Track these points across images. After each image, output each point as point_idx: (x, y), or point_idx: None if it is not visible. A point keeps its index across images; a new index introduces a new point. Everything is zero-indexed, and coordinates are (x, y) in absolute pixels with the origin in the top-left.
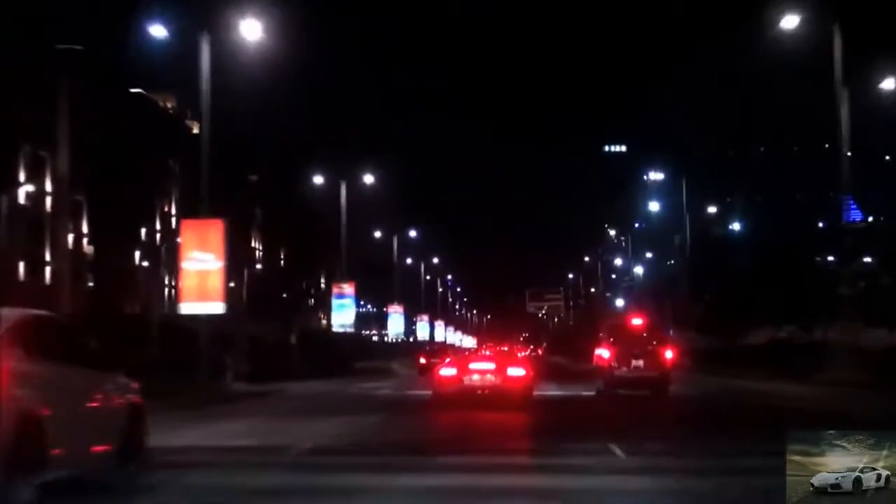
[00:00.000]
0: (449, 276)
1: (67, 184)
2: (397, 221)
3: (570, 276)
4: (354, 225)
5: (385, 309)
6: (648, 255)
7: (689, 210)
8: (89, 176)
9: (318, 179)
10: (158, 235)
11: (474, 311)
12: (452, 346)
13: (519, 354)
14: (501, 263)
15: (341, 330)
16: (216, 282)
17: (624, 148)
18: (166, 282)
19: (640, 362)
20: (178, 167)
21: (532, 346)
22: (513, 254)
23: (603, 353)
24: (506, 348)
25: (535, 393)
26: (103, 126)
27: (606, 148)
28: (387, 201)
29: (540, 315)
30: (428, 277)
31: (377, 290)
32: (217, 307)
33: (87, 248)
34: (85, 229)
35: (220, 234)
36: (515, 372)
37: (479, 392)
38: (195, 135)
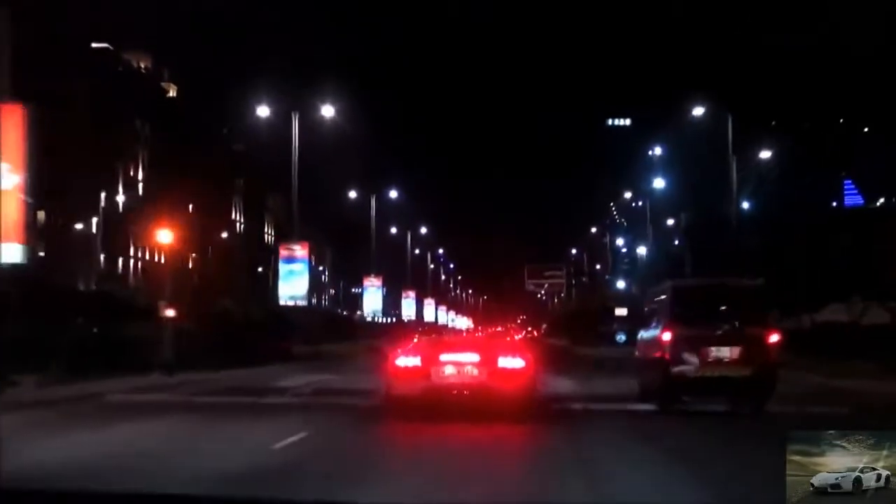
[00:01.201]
0: (441, 250)
1: None
2: (378, 181)
3: (574, 251)
4: (319, 175)
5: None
6: (651, 234)
7: (691, 190)
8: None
9: (265, 111)
10: (121, 198)
11: (469, 291)
12: (444, 327)
13: (516, 337)
14: (499, 241)
15: (290, 303)
16: (11, 209)
17: (628, 121)
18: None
19: (727, 352)
20: (147, 129)
21: (528, 328)
22: (511, 232)
23: (660, 337)
24: (499, 329)
25: (543, 394)
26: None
27: (609, 121)
28: (369, 158)
29: (539, 295)
30: (417, 252)
31: (354, 261)
32: (12, 251)
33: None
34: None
35: (17, 130)
36: (511, 363)
37: (455, 394)
38: (171, 98)
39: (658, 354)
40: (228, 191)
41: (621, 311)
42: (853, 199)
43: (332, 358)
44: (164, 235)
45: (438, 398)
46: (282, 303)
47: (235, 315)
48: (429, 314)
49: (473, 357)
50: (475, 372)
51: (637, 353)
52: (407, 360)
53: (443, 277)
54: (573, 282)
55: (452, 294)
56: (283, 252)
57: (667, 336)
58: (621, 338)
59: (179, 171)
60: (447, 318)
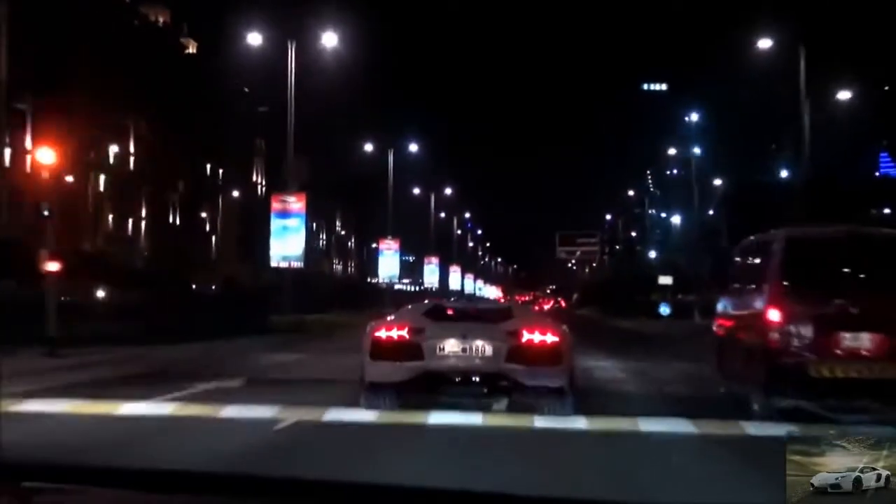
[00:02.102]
0: (467, 215)
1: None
2: (400, 138)
3: (608, 216)
4: (338, 135)
5: (376, 246)
6: (686, 203)
7: (729, 159)
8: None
9: None
10: (132, 159)
11: (498, 260)
12: (472, 296)
13: (544, 307)
14: (530, 209)
15: (284, 264)
16: None
17: (664, 86)
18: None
19: (867, 341)
20: (159, 83)
21: (557, 299)
22: (542, 199)
23: (763, 314)
24: (527, 298)
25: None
26: (66, 30)
27: (645, 86)
28: (393, 114)
29: (570, 265)
30: (442, 215)
31: (374, 224)
32: None
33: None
34: (29, 144)
35: None
36: (539, 337)
37: (459, 382)
38: (189, 54)
39: (759, 339)
40: (247, 152)
41: (665, 280)
42: (887, 169)
43: (319, 330)
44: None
45: (434, 388)
46: (273, 264)
47: (217, 279)
48: (454, 282)
49: (481, 327)
50: (488, 351)
51: (717, 329)
52: (391, 332)
53: (470, 244)
54: (606, 250)
55: (482, 262)
56: (275, 205)
57: (774, 314)
58: (665, 310)
59: (192, 129)
60: (474, 286)
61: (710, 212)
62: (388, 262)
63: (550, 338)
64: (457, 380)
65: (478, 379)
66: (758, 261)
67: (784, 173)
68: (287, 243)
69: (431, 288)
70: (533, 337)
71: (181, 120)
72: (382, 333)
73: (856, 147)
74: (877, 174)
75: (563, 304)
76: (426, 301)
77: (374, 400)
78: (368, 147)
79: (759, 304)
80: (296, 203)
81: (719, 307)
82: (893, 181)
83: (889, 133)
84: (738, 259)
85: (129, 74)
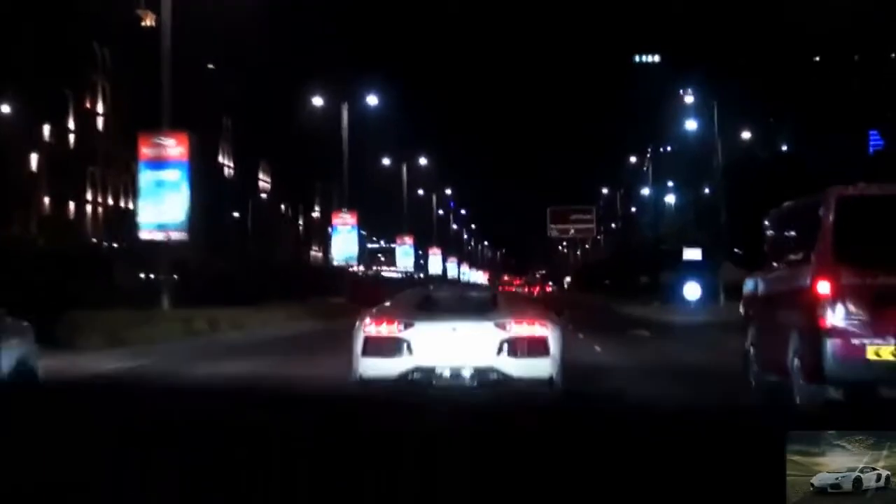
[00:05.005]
0: (448, 192)
1: None
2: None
3: (604, 191)
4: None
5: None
6: (681, 182)
7: (727, 133)
8: None
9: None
10: (72, 136)
11: (485, 243)
12: (456, 281)
13: (534, 293)
14: (519, 188)
15: (158, 234)
16: None
17: (657, 58)
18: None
19: None
20: (108, 56)
21: (547, 283)
22: (533, 178)
23: (810, 285)
24: (517, 284)
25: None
26: None
27: (637, 58)
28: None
29: (561, 247)
30: (421, 192)
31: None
32: None
33: None
34: None
35: None
36: (527, 329)
37: (449, 377)
38: (149, 27)
39: (804, 318)
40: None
41: (693, 253)
42: (878, 144)
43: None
44: None
45: (425, 382)
46: (143, 236)
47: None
48: (434, 266)
49: (475, 323)
50: (477, 344)
51: (746, 309)
52: (381, 328)
53: (454, 227)
54: (601, 229)
55: (469, 247)
56: (144, 150)
57: (825, 287)
58: (693, 293)
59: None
60: (458, 271)
61: (706, 190)
62: (344, 241)
63: (539, 329)
64: (447, 374)
65: (467, 373)
66: (800, 229)
67: (784, 148)
68: (162, 205)
69: (408, 273)
70: (521, 329)
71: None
72: (373, 330)
73: (846, 125)
74: (870, 152)
75: (547, 289)
76: (415, 289)
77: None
78: (319, 102)
79: (803, 278)
80: (174, 147)
81: (748, 286)
82: (888, 156)
83: (879, 111)
84: (773, 228)
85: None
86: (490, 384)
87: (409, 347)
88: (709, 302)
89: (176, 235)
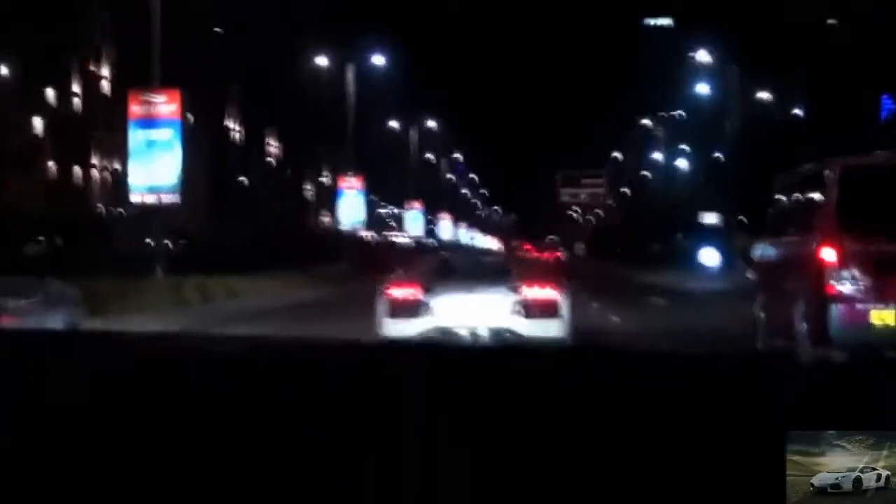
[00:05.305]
0: (457, 156)
1: None
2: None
3: (615, 154)
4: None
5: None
6: (693, 146)
7: (738, 97)
8: None
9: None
10: (76, 99)
11: (495, 208)
12: (469, 247)
13: (546, 258)
14: (528, 154)
15: (150, 197)
16: None
17: (669, 21)
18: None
19: None
20: (108, 18)
21: (552, 250)
22: (541, 143)
23: (815, 252)
24: (527, 249)
25: None
26: None
27: (648, 21)
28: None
29: (571, 212)
30: (430, 157)
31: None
32: None
33: None
34: None
35: None
36: (539, 292)
37: (467, 336)
38: None
39: (809, 284)
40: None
41: (711, 218)
42: (889, 108)
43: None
44: None
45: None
46: (133, 199)
47: None
48: (445, 231)
49: (490, 286)
50: (493, 306)
51: (754, 275)
52: (404, 291)
53: (464, 191)
54: (613, 193)
55: (478, 212)
56: (133, 107)
57: (829, 254)
58: (711, 259)
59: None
60: (468, 237)
61: (717, 154)
62: (351, 205)
63: (550, 293)
64: (465, 334)
65: (484, 333)
66: (808, 196)
67: (796, 111)
68: (153, 166)
69: (416, 239)
70: (533, 292)
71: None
72: (396, 292)
73: (856, 90)
74: (882, 117)
75: (559, 255)
76: (433, 255)
77: None
78: (326, 62)
79: (810, 244)
80: (166, 104)
81: (758, 252)
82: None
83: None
84: (781, 195)
85: None
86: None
87: (429, 309)
88: (726, 268)
89: (168, 198)
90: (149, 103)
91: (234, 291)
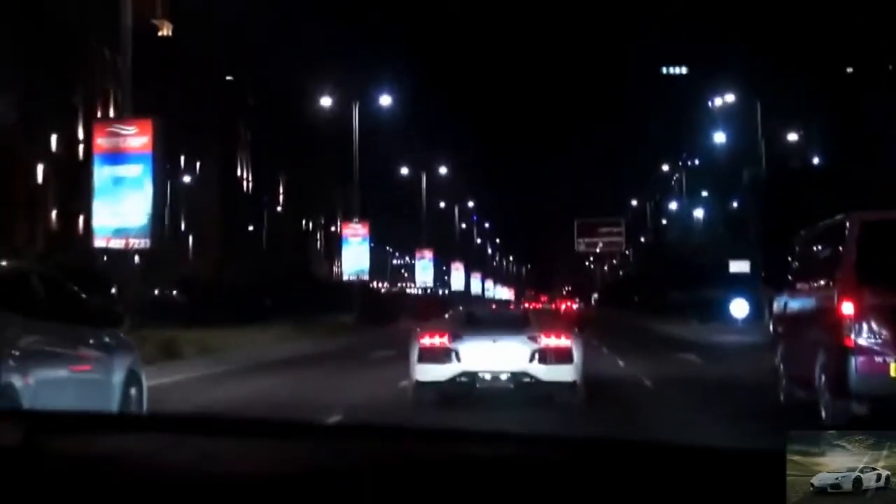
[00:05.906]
0: (471, 204)
1: None
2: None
3: (634, 202)
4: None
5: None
6: (712, 195)
7: (761, 141)
8: None
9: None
10: (81, 147)
11: (510, 258)
12: (480, 298)
13: (561, 308)
14: (544, 201)
15: (117, 243)
16: None
17: (685, 70)
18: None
19: None
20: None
21: (573, 299)
22: (559, 191)
23: (835, 305)
24: (544, 301)
25: None
26: None
27: (664, 70)
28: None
29: (588, 262)
30: (443, 205)
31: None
32: None
33: None
34: None
35: None
36: (554, 341)
37: (490, 380)
38: (164, 37)
39: (829, 337)
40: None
41: (740, 266)
42: None
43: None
44: None
45: (470, 384)
46: (97, 243)
47: None
48: (457, 282)
49: (511, 336)
50: (513, 353)
51: (775, 327)
52: (434, 340)
53: (478, 241)
54: (629, 243)
55: (494, 262)
56: (99, 140)
57: (849, 307)
58: (741, 310)
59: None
60: (482, 287)
61: (735, 204)
62: (355, 253)
63: (564, 341)
64: (488, 377)
65: (505, 377)
66: (827, 249)
67: (815, 160)
68: (121, 207)
69: (426, 288)
70: (549, 341)
71: None
72: (427, 341)
73: (872, 137)
74: None
75: (573, 305)
76: (461, 309)
77: (423, 394)
78: (328, 102)
79: (829, 298)
80: (136, 136)
81: (778, 304)
82: None
83: None
84: (801, 249)
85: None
86: (523, 386)
87: (457, 356)
88: (756, 320)
89: (137, 242)
90: (116, 135)
91: (209, 347)
